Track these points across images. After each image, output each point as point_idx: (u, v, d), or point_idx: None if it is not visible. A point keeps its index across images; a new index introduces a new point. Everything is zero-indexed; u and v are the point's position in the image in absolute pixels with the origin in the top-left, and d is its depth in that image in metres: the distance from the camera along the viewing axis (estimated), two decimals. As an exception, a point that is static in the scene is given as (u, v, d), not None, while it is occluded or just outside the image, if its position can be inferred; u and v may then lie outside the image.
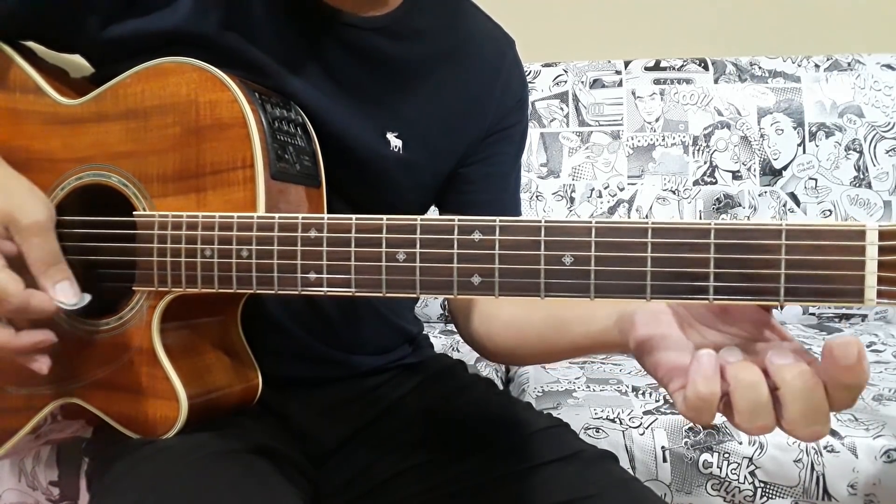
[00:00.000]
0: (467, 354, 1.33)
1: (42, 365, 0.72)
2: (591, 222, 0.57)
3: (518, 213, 1.04)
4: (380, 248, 0.63)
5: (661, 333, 0.61)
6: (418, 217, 0.62)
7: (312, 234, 0.66)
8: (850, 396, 0.51)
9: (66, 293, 0.71)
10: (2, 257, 0.70)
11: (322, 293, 0.66)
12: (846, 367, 0.50)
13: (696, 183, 1.79)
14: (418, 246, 0.62)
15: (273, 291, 0.68)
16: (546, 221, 0.58)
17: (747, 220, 1.66)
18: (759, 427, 0.52)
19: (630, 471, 1.05)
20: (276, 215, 0.68)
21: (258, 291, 0.69)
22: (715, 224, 0.54)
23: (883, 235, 0.51)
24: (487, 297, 0.90)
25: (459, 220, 0.61)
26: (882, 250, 0.51)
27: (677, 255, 0.55)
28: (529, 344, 0.85)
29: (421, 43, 0.90)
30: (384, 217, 0.63)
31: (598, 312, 0.70)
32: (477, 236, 0.60)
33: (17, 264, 0.70)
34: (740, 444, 1.09)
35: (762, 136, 1.79)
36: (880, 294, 0.52)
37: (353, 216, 0.64)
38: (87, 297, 0.72)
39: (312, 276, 0.66)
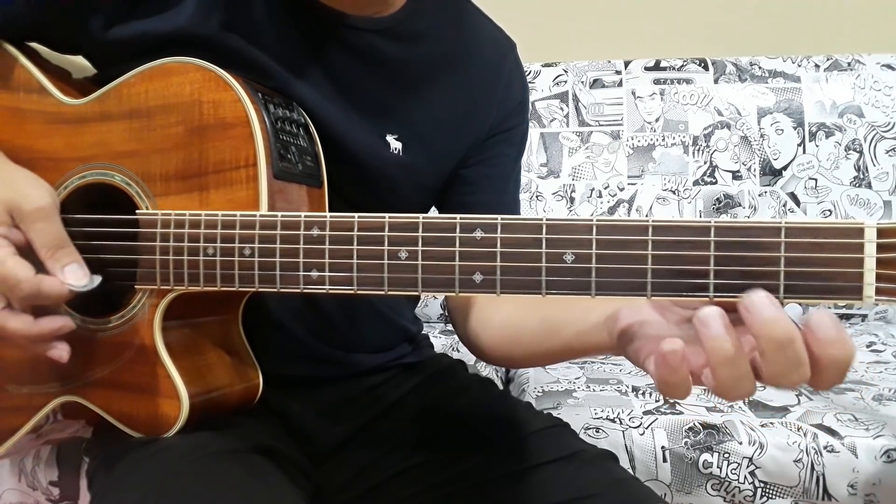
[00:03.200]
0: (467, 354, 1.32)
1: (62, 352, 0.72)
2: (592, 220, 0.57)
3: (518, 215, 1.04)
4: (382, 247, 0.63)
5: (641, 320, 0.62)
6: (420, 215, 0.63)
7: (315, 232, 0.66)
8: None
9: (75, 275, 0.71)
10: (10, 245, 0.70)
11: (324, 291, 0.66)
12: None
13: (696, 183, 1.80)
14: (420, 244, 0.62)
15: (275, 290, 0.68)
16: (547, 219, 0.58)
17: (747, 219, 1.67)
18: (744, 394, 0.53)
19: (630, 471, 1.05)
20: (279, 214, 0.68)
21: (260, 289, 0.69)
22: (715, 222, 0.55)
23: (881, 233, 0.52)
24: (484, 301, 0.91)
25: (461, 219, 0.61)
26: (881, 248, 0.52)
27: (678, 253, 0.55)
28: (524, 346, 0.85)
29: (422, 45, 0.90)
30: (386, 215, 0.64)
31: (590, 315, 0.71)
32: (479, 234, 0.60)
33: (27, 253, 0.71)
34: (740, 444, 1.10)
35: (762, 136, 1.79)
36: (878, 291, 0.52)
37: (356, 214, 0.65)
38: (98, 279, 0.73)
39: (315, 274, 0.66)
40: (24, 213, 0.71)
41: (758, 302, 0.51)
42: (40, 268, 0.71)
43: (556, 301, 0.79)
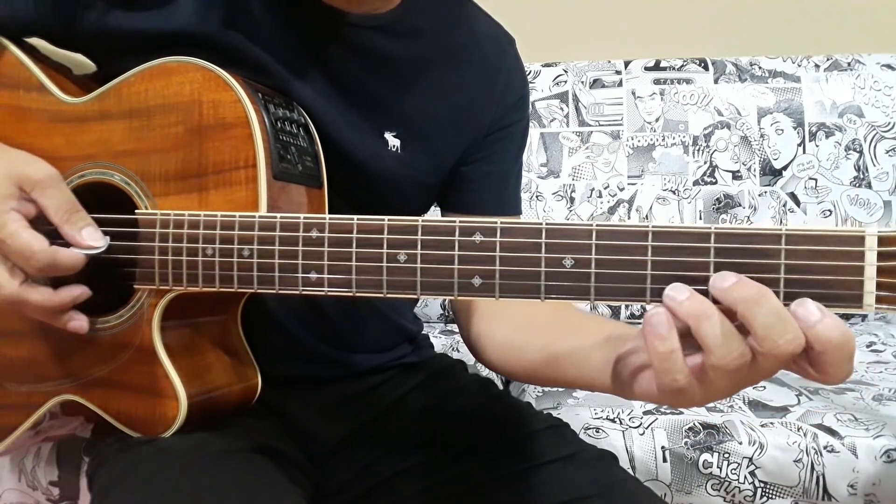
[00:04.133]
0: (467, 354, 1.32)
1: (82, 322, 0.74)
2: (591, 225, 0.57)
3: (519, 212, 1.04)
4: (381, 249, 0.63)
5: (633, 347, 0.63)
6: (419, 218, 0.63)
7: (314, 234, 0.66)
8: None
9: (93, 237, 0.72)
10: (23, 217, 0.71)
11: (323, 293, 0.66)
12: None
13: (696, 183, 1.80)
14: (419, 247, 0.62)
15: (274, 291, 0.68)
16: (547, 224, 0.58)
17: (747, 221, 1.66)
18: (738, 355, 0.52)
19: (630, 471, 1.05)
20: (278, 215, 0.68)
21: (259, 291, 0.69)
22: (715, 228, 0.55)
23: (882, 241, 0.52)
24: (486, 312, 0.91)
25: (461, 222, 0.61)
26: (881, 256, 0.52)
27: (677, 259, 0.55)
28: (525, 368, 0.86)
29: (421, 41, 0.90)
30: (385, 218, 0.64)
31: (591, 357, 0.71)
32: (478, 238, 0.60)
33: (38, 224, 0.72)
34: (740, 444, 1.10)
35: (762, 136, 1.79)
36: (879, 300, 0.52)
37: (355, 217, 0.65)
38: (108, 239, 0.74)
39: (313, 275, 0.66)
40: (34, 181, 0.71)
41: (719, 277, 0.54)
42: (53, 237, 0.71)
43: (555, 328, 0.80)
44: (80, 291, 0.73)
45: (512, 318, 0.88)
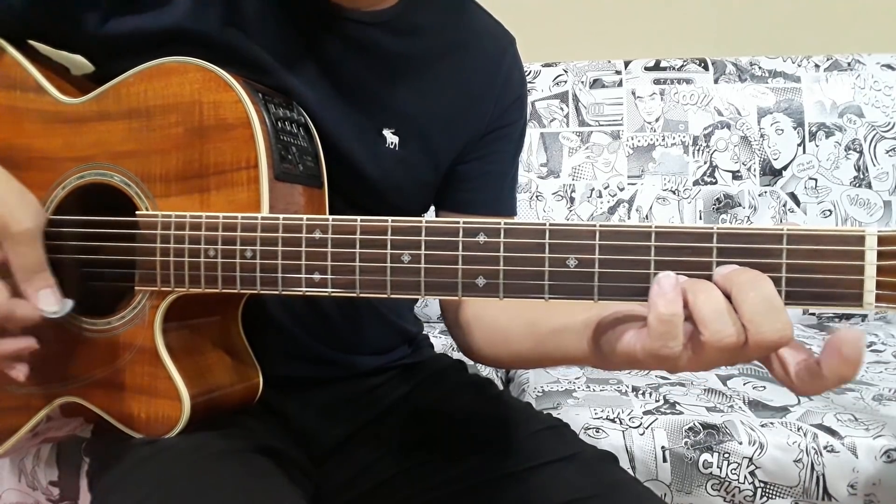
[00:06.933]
0: (467, 354, 1.33)
1: (19, 373, 0.73)
2: (595, 225, 0.58)
3: (514, 213, 1.04)
4: (385, 250, 0.63)
5: (617, 310, 0.63)
6: (423, 219, 0.63)
7: (317, 235, 0.66)
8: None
9: (47, 301, 0.71)
10: None
11: (326, 294, 0.66)
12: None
13: (696, 183, 1.80)
14: (423, 248, 0.62)
15: (277, 291, 0.68)
16: (550, 224, 0.59)
17: (747, 221, 1.66)
18: (729, 335, 0.52)
19: (630, 471, 1.05)
20: (281, 216, 0.68)
21: (262, 291, 0.69)
22: (717, 228, 0.55)
23: (882, 241, 0.52)
24: (472, 304, 0.91)
25: (464, 223, 0.61)
26: (881, 255, 0.52)
27: (680, 259, 0.56)
28: (510, 350, 0.86)
29: (421, 38, 0.90)
30: (389, 219, 0.64)
31: (570, 326, 0.71)
32: (482, 238, 0.60)
33: (3, 271, 0.71)
34: (740, 444, 1.10)
35: (762, 136, 1.80)
36: (878, 298, 0.53)
37: (358, 217, 0.65)
38: (70, 304, 0.73)
39: (317, 276, 0.66)
40: (8, 233, 0.70)
41: (724, 266, 0.55)
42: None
43: (541, 306, 0.80)
44: (24, 344, 0.72)
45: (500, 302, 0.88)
